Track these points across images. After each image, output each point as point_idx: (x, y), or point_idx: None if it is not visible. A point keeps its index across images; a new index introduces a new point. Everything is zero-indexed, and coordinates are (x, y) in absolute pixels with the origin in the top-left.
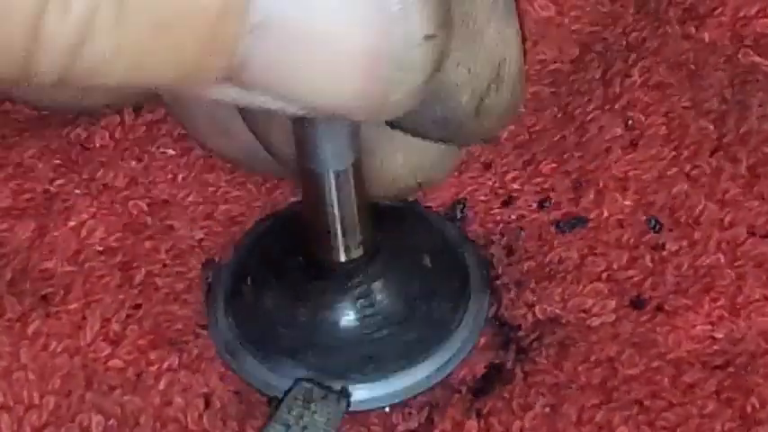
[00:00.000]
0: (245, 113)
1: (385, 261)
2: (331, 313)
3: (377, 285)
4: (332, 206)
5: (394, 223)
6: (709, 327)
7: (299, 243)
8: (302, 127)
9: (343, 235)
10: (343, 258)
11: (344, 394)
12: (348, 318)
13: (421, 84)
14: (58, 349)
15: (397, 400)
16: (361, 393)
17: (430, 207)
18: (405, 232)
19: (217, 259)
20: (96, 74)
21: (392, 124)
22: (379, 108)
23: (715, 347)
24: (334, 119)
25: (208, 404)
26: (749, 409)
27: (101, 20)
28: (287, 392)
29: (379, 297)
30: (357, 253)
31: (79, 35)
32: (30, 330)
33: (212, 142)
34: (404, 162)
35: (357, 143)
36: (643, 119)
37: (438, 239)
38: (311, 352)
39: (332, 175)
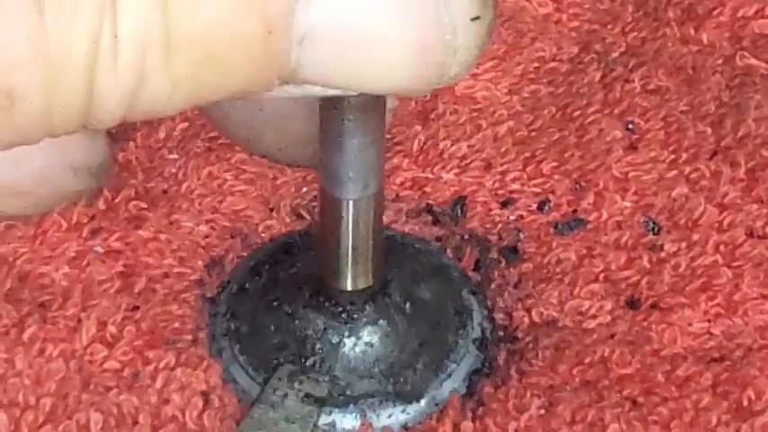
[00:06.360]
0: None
1: (387, 294)
2: (329, 340)
3: (376, 318)
4: (347, 234)
5: (393, 255)
6: (706, 323)
7: (307, 266)
8: (328, 153)
9: (354, 263)
10: (350, 287)
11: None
12: (346, 346)
13: (476, 57)
14: (54, 354)
15: None
16: (349, 422)
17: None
18: (403, 263)
19: (221, 260)
20: (156, 111)
21: None
22: (437, 84)
23: (711, 343)
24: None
25: (206, 402)
26: (745, 401)
27: (151, 64)
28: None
29: (377, 329)
30: (364, 283)
31: (133, 81)
32: (25, 336)
33: (250, 144)
34: None
35: (381, 175)
36: (642, 123)
37: (434, 270)
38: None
39: (351, 204)
